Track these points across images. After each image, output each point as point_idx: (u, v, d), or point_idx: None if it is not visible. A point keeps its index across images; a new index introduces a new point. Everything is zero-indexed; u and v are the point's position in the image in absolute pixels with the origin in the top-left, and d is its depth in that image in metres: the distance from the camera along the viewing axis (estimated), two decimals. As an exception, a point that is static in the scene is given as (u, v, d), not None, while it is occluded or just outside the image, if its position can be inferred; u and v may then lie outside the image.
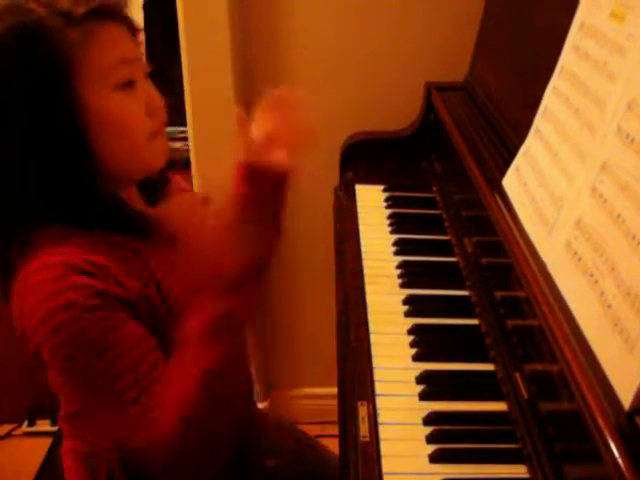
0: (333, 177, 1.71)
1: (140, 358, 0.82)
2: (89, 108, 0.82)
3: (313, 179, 1.87)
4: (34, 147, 0.81)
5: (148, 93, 0.88)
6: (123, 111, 0.85)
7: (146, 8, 2.02)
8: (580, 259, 0.81)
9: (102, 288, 0.82)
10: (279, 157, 0.81)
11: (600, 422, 0.66)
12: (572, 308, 0.80)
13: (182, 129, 1.88)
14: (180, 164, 1.92)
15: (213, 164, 1.75)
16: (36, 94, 0.79)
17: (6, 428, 2.15)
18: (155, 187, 0.99)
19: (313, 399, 2.03)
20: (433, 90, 1.63)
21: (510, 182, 1.09)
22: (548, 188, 0.96)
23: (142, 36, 0.91)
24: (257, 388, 2.00)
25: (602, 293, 0.75)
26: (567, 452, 0.78)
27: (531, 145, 1.07)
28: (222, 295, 0.81)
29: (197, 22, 1.62)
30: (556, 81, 1.04)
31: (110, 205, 0.88)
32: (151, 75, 0.93)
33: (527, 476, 0.84)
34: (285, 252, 1.98)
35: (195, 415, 0.82)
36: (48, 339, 0.80)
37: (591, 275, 0.78)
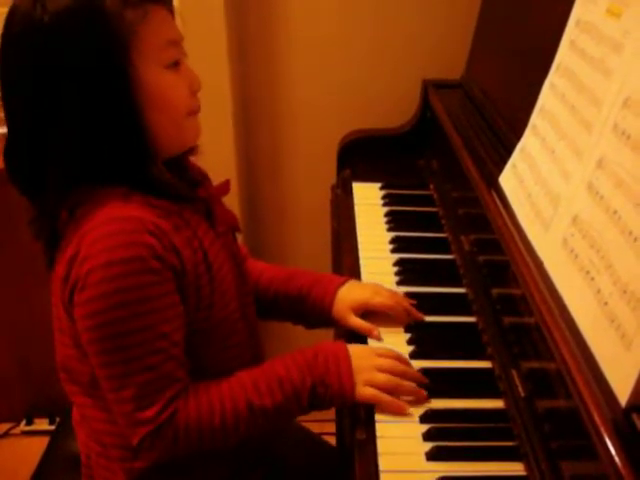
0: (330, 175, 1.71)
1: (168, 333, 0.87)
2: (141, 83, 0.87)
3: (310, 177, 1.88)
4: (88, 111, 0.85)
5: (190, 74, 0.94)
6: (172, 88, 0.91)
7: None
8: (577, 256, 0.81)
9: (162, 253, 0.86)
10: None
11: (596, 419, 0.66)
12: (569, 305, 0.80)
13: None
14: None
15: (209, 162, 1.76)
16: (94, 68, 0.84)
17: (4, 427, 2.14)
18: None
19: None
20: (430, 87, 1.63)
21: (507, 179, 1.09)
22: (545, 185, 0.96)
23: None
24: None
25: (598, 290, 0.75)
26: (564, 449, 0.78)
27: (528, 142, 1.07)
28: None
29: (193, 13, 1.61)
30: (553, 78, 1.04)
31: (158, 173, 0.92)
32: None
33: (524, 473, 0.84)
34: (282, 249, 1.98)
35: (217, 442, 0.92)
36: (95, 286, 0.83)
37: (587, 272, 0.78)
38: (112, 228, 0.84)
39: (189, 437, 0.89)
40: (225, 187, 1.04)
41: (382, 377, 0.94)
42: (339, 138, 1.72)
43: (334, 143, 1.71)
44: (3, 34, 0.86)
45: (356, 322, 1.09)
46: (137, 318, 0.85)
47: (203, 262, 0.93)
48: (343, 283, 1.14)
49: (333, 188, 1.66)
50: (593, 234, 0.79)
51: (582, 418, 0.69)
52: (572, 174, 0.89)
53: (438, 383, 0.98)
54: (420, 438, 0.90)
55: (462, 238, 1.27)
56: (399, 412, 0.93)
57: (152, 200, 0.89)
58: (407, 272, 1.25)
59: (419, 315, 1.12)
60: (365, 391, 0.94)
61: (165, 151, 0.94)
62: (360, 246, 1.34)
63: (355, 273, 1.25)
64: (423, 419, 0.92)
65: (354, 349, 0.98)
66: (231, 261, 1.01)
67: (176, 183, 0.94)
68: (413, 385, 0.96)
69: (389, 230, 1.40)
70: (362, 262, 1.29)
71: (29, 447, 2.03)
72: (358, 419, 0.94)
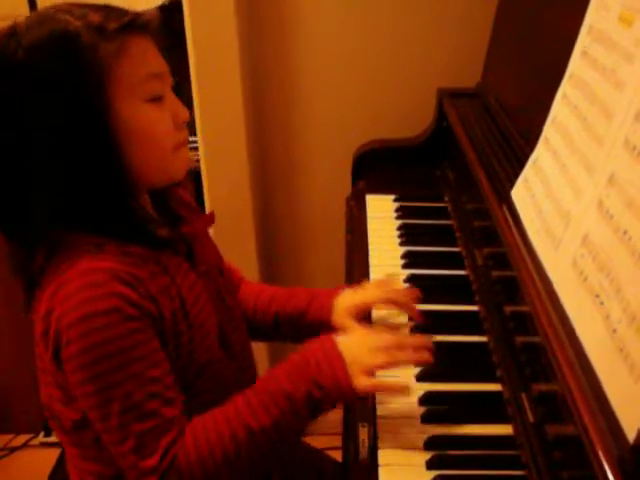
0: (346, 185, 1.68)
1: (159, 377, 0.85)
2: (120, 119, 0.84)
3: (326, 188, 1.85)
4: (67, 153, 0.83)
5: (176, 107, 0.91)
6: (152, 124, 0.88)
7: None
8: (586, 279, 0.77)
9: (137, 301, 0.83)
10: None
11: (601, 455, 0.62)
12: (577, 330, 0.76)
13: (192, 139, 1.86)
14: (190, 174, 1.90)
15: (223, 174, 1.75)
16: (70, 103, 0.82)
17: (22, 439, 2.16)
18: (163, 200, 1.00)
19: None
20: (445, 97, 1.60)
21: (518, 193, 1.05)
22: (556, 201, 0.92)
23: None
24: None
25: (607, 316, 0.71)
26: (574, 480, 0.74)
27: (540, 155, 1.03)
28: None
29: (204, 27, 1.61)
30: (565, 88, 1.00)
31: (138, 216, 0.90)
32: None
33: (532, 505, 0.80)
34: (297, 262, 1.96)
35: (223, 475, 0.87)
36: (76, 341, 0.81)
37: (597, 296, 0.74)
38: (83, 281, 0.82)
39: (194, 478, 0.86)
40: (210, 219, 1.02)
41: (378, 359, 0.90)
42: (354, 149, 1.69)
43: (349, 154, 1.69)
44: None
45: (348, 325, 1.06)
46: (125, 367, 0.82)
47: (181, 309, 0.90)
48: (339, 293, 1.12)
49: (347, 200, 1.63)
50: (603, 256, 0.75)
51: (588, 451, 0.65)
52: (583, 190, 0.85)
53: (445, 407, 0.95)
54: (424, 466, 0.86)
55: (476, 252, 1.23)
56: (401, 393, 0.92)
57: (126, 248, 0.86)
58: (418, 289, 1.21)
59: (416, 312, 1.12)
60: (364, 382, 0.89)
61: (150, 184, 0.92)
62: (371, 261, 1.32)
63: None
64: (427, 446, 0.89)
65: (343, 340, 0.92)
66: (215, 299, 0.99)
67: (155, 227, 0.91)
68: (410, 351, 0.93)
69: (401, 244, 1.37)
70: (372, 277, 1.26)
71: (47, 458, 2.03)
72: (362, 444, 0.90)
